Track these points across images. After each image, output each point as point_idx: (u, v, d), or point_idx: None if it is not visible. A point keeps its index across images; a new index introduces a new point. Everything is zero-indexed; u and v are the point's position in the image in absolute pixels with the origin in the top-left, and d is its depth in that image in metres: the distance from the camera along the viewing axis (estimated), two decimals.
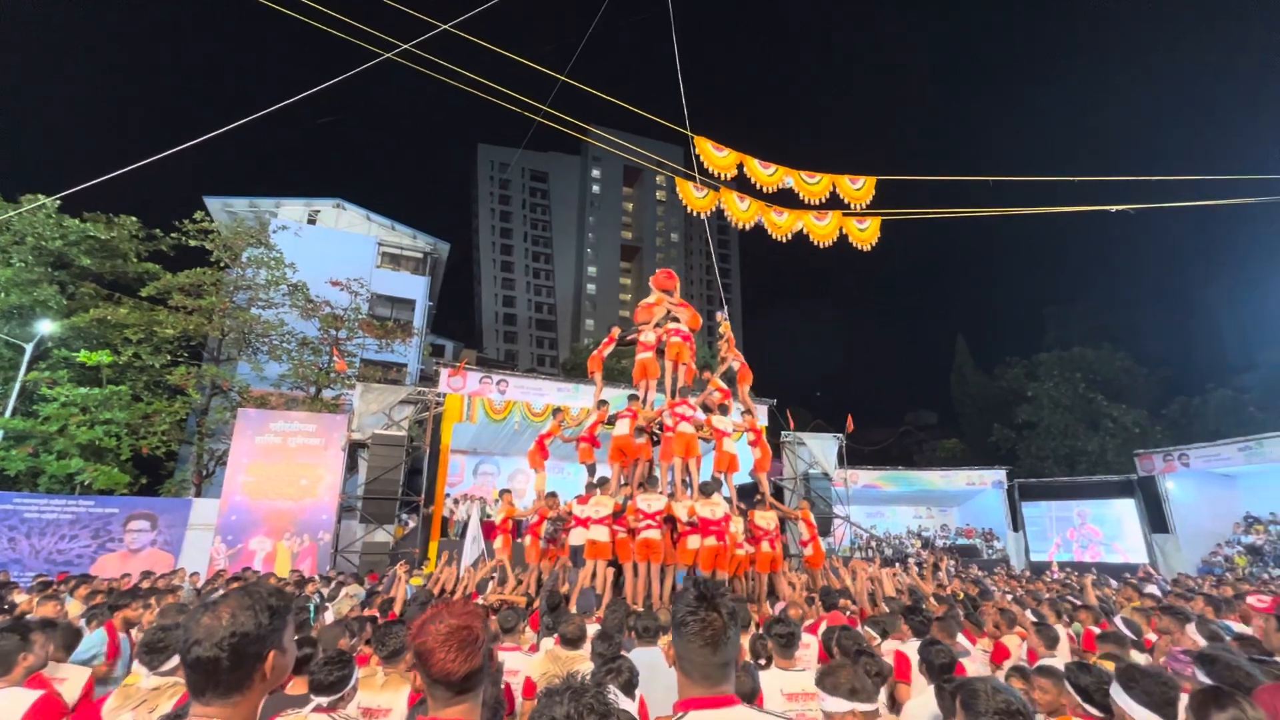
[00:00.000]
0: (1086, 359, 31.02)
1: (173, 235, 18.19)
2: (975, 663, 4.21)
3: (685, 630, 1.39)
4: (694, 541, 6.65)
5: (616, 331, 9.62)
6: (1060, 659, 4.42)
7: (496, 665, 3.23)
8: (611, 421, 8.30)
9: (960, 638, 4.46)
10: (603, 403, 8.79)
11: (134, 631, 4.95)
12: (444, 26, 7.31)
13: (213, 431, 17.50)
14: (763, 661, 3.62)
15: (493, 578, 6.98)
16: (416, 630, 1.42)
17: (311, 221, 27.79)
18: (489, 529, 9.85)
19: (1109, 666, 3.19)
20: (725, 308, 10.35)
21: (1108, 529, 20.60)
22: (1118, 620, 5.21)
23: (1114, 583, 11.95)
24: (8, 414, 14.16)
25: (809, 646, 4.53)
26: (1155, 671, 2.36)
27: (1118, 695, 2.35)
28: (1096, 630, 5.34)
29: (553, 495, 8.04)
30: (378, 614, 5.49)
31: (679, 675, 1.42)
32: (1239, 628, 4.96)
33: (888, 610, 5.52)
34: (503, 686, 3.17)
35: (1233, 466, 18.51)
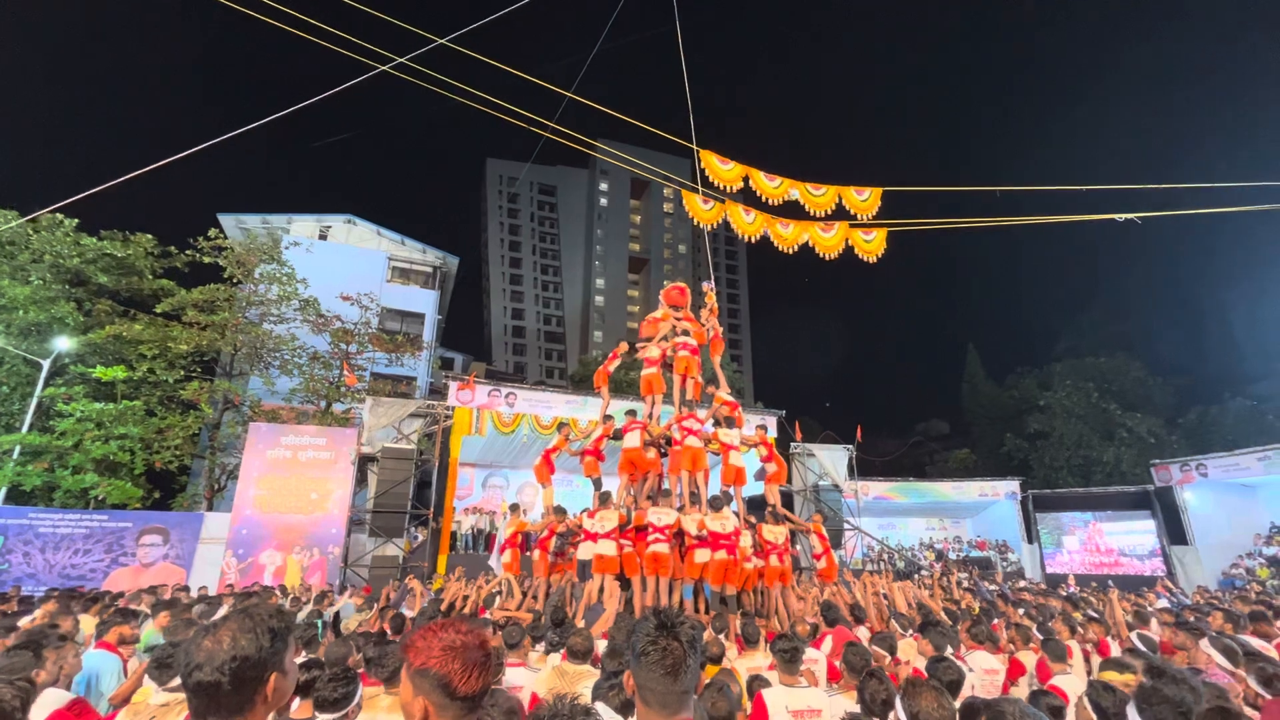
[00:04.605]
0: (1100, 368, 30.69)
1: (187, 252, 18.47)
2: (979, 679, 4.15)
3: (645, 659, 1.38)
4: (703, 555, 6.62)
5: (623, 347, 9.71)
6: (1075, 673, 4.35)
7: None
8: (618, 436, 8.30)
9: (979, 655, 4.39)
10: (608, 417, 8.80)
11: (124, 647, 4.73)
12: (440, 41, 7.41)
13: (224, 446, 17.68)
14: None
15: (499, 592, 6.96)
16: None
17: (323, 237, 28.15)
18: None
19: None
20: (711, 279, 10.54)
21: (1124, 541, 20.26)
22: (1134, 636, 5.13)
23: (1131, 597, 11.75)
24: (25, 429, 14.37)
25: (817, 662, 4.48)
26: (1177, 699, 2.27)
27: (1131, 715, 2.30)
28: (1111, 642, 5.26)
29: (560, 509, 8.04)
30: (388, 629, 5.48)
31: (638, 703, 1.42)
32: (1258, 644, 4.85)
33: (896, 626, 5.46)
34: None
35: (1252, 476, 18.18)
